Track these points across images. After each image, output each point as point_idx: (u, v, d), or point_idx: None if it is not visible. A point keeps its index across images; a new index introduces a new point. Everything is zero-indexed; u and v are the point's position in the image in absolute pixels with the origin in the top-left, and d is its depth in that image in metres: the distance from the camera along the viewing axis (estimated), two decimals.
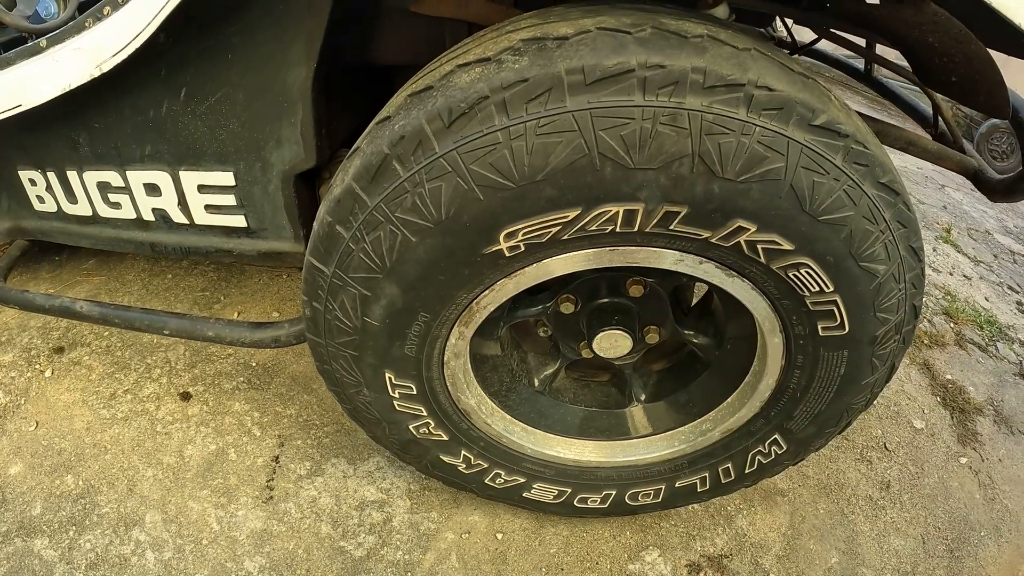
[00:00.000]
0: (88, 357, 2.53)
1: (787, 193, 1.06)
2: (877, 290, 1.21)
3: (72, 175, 2.12)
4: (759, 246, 1.13)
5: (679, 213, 1.07)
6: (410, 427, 1.53)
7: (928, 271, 3.42)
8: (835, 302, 1.22)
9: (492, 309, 1.29)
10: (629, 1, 1.25)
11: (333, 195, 1.20)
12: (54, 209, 2.28)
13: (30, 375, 2.49)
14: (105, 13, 1.66)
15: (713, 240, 1.12)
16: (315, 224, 1.27)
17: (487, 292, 1.24)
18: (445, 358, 1.38)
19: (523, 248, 1.13)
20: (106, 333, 2.62)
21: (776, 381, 1.43)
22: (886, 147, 1.81)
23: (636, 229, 1.10)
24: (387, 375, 1.39)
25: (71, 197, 2.19)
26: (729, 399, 1.55)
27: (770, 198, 1.06)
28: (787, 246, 1.13)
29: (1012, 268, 3.86)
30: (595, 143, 1.00)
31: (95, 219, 2.18)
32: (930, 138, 2.04)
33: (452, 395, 1.47)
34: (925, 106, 2.28)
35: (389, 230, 1.14)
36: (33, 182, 2.27)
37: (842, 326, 1.26)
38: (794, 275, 1.18)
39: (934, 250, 3.71)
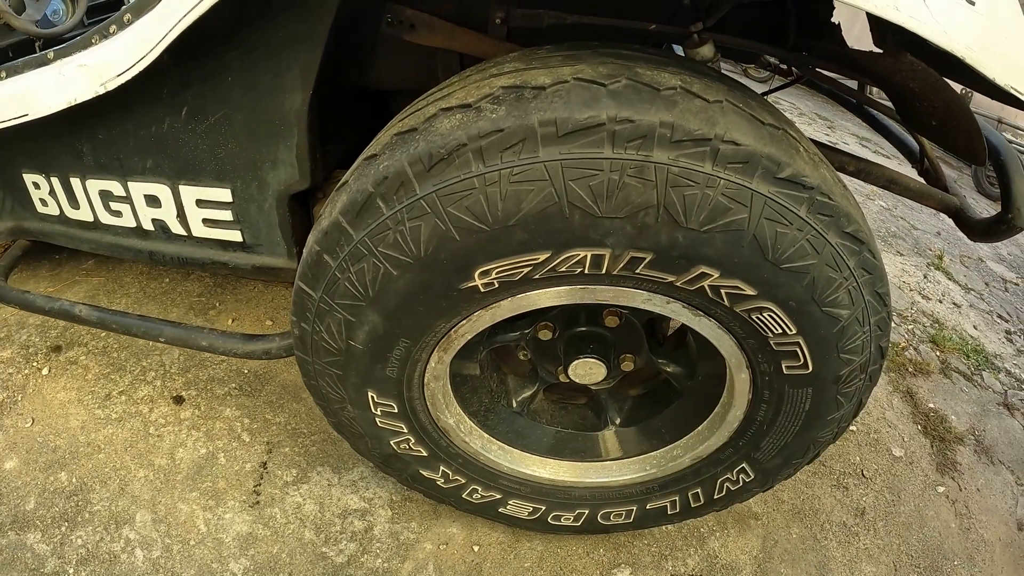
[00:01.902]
0: (85, 357, 2.60)
1: (750, 242, 1.13)
2: (840, 333, 1.28)
3: (75, 182, 2.19)
4: (722, 290, 1.20)
5: (644, 259, 1.15)
6: (391, 442, 1.61)
7: (917, 298, 3.49)
8: (798, 343, 1.29)
9: (470, 337, 1.37)
10: (617, 43, 1.34)
11: (322, 226, 1.28)
12: (56, 213, 2.35)
13: (27, 372, 2.56)
14: (111, 32, 1.73)
15: (678, 284, 1.20)
16: (304, 251, 1.35)
17: (464, 322, 1.32)
18: (425, 380, 1.46)
19: (497, 285, 1.21)
20: (103, 334, 2.70)
21: (743, 413, 1.50)
22: (872, 185, 1.89)
23: (604, 272, 1.18)
24: (370, 394, 1.47)
25: (73, 203, 2.26)
26: (699, 428, 1.62)
27: (733, 247, 1.13)
28: (750, 291, 1.20)
29: (1003, 296, 3.93)
30: (564, 192, 1.08)
31: (96, 225, 2.26)
32: (913, 176, 2.11)
33: (432, 414, 1.55)
34: (912, 140, 2.35)
35: (372, 263, 1.22)
36: (37, 186, 2.34)
37: (805, 365, 1.33)
38: (757, 318, 1.25)
39: (925, 277, 3.77)
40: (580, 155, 1.07)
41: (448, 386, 1.53)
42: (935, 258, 4.05)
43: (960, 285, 3.83)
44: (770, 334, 1.28)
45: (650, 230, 1.11)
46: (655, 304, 1.28)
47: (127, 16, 1.69)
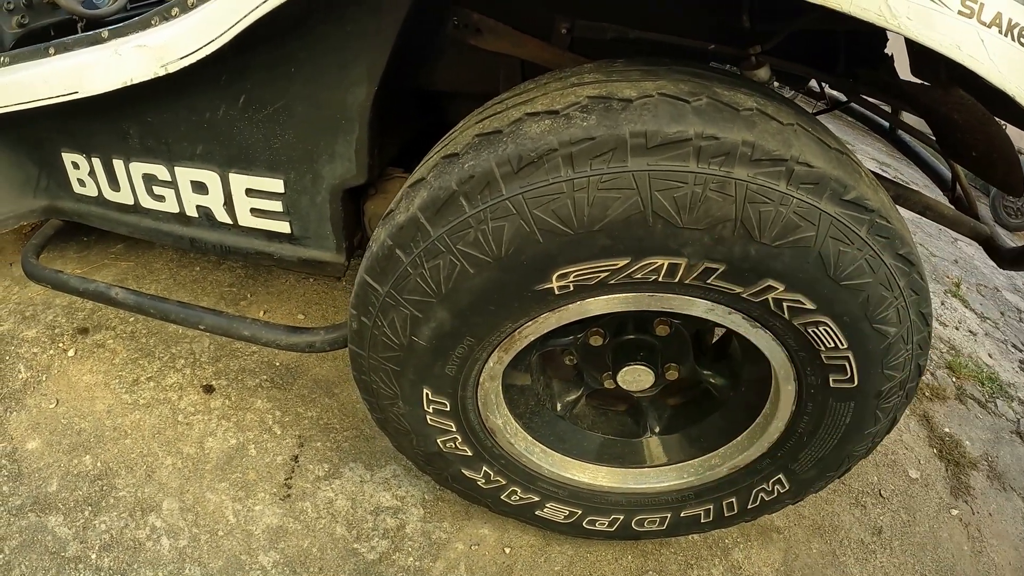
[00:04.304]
0: (112, 341, 2.65)
1: (815, 259, 1.21)
2: (886, 349, 1.36)
3: (118, 164, 2.24)
4: (784, 304, 1.28)
5: (717, 270, 1.23)
6: (438, 440, 1.67)
7: (935, 324, 3.58)
8: (847, 358, 1.37)
9: (532, 339, 1.44)
10: (683, 61, 1.41)
11: (396, 221, 1.34)
12: (94, 194, 2.40)
13: (52, 353, 2.60)
14: (173, 14, 1.78)
15: (744, 295, 1.27)
16: (373, 244, 1.41)
17: (530, 323, 1.39)
18: (481, 379, 1.52)
19: (571, 288, 1.28)
20: (131, 319, 2.74)
21: (785, 425, 1.58)
22: (904, 210, 1.97)
23: (676, 280, 1.25)
24: (425, 391, 1.53)
25: (114, 184, 2.31)
26: (739, 438, 1.69)
27: (799, 262, 1.21)
28: (810, 305, 1.28)
29: (1018, 326, 4.03)
30: (650, 202, 1.15)
31: (136, 209, 2.31)
32: (947, 203, 2.19)
33: (482, 414, 1.61)
34: (944, 168, 2.43)
35: (449, 260, 1.28)
36: (76, 165, 2.39)
37: (852, 380, 1.41)
38: (813, 331, 1.33)
39: (942, 303, 3.86)
40: (667, 167, 1.14)
41: (500, 387, 1.59)
42: (952, 285, 4.15)
43: (976, 313, 3.93)
44: (822, 348, 1.36)
45: (726, 242, 1.19)
46: (716, 314, 1.36)
47: (191, 0, 1.75)
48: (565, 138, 1.17)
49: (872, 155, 6.01)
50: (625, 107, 1.19)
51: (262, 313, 2.80)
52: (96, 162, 2.31)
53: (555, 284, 1.27)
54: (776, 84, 1.93)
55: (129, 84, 1.86)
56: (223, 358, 2.56)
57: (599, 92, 1.24)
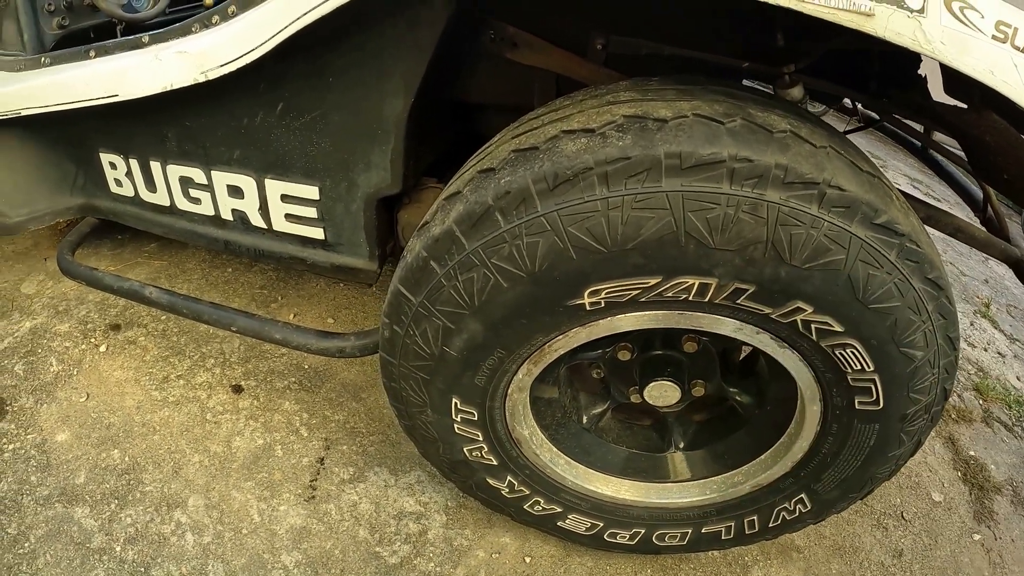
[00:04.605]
0: (144, 338, 2.71)
1: (844, 282, 1.23)
2: (913, 373, 1.37)
3: (155, 166, 2.29)
4: (813, 325, 1.30)
5: (747, 290, 1.25)
6: (464, 449, 1.70)
7: (964, 345, 3.57)
8: (874, 380, 1.39)
9: (561, 352, 1.47)
10: (718, 80, 1.44)
11: (432, 233, 1.37)
12: (131, 194, 2.45)
13: (84, 347, 2.66)
14: (214, 22, 1.83)
15: (773, 316, 1.30)
16: (408, 255, 1.45)
17: (561, 337, 1.42)
18: (510, 390, 1.56)
19: (603, 304, 1.31)
20: (163, 317, 2.80)
21: (809, 445, 1.60)
22: (934, 231, 1.98)
23: (706, 300, 1.28)
24: (454, 400, 1.57)
25: (150, 186, 2.36)
26: (762, 456, 1.71)
27: (829, 285, 1.23)
28: (838, 328, 1.30)
29: None
30: (683, 222, 1.18)
31: (172, 210, 2.36)
32: (978, 224, 2.20)
33: (509, 424, 1.64)
34: (975, 188, 2.44)
35: (483, 273, 1.31)
36: (113, 165, 2.44)
37: (877, 402, 1.43)
38: (840, 353, 1.35)
39: (971, 324, 3.85)
40: (700, 188, 1.17)
41: (528, 398, 1.62)
42: (982, 306, 4.13)
43: (1006, 335, 3.91)
44: (849, 370, 1.38)
45: (756, 264, 1.21)
46: (744, 333, 1.38)
47: (231, 8, 1.79)
48: (601, 157, 1.20)
49: (904, 171, 5.99)
50: (660, 127, 1.22)
51: (292, 316, 2.85)
52: (133, 163, 2.37)
53: (587, 300, 1.30)
54: (809, 102, 1.95)
55: (169, 89, 1.92)
56: (252, 359, 2.61)
57: (634, 111, 1.27)
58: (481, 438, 1.67)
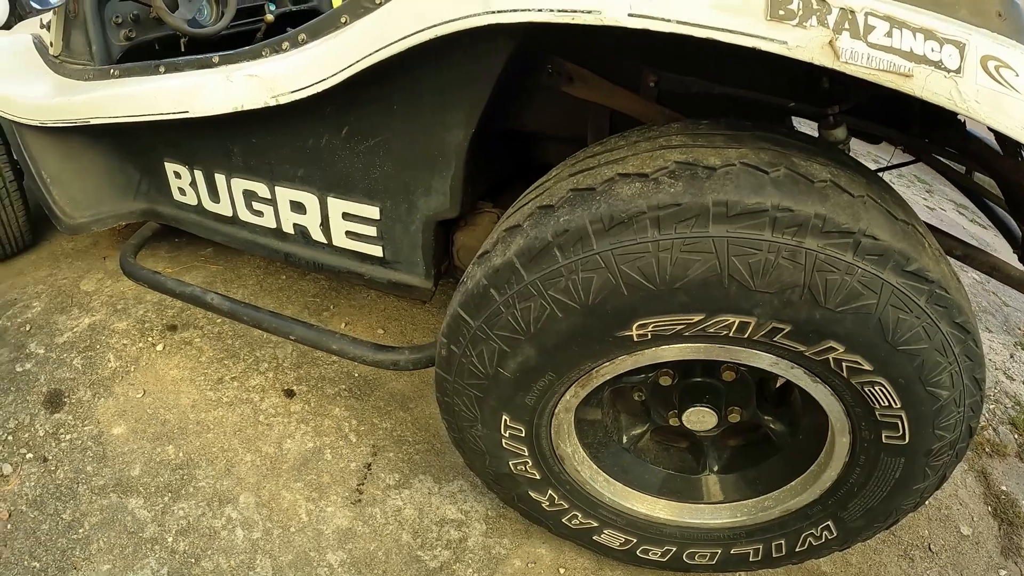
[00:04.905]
0: (199, 339, 2.89)
1: (875, 324, 1.36)
2: (938, 411, 1.50)
3: (220, 178, 2.46)
4: (844, 363, 1.43)
5: (783, 329, 1.39)
6: (510, 463, 1.85)
7: (1001, 377, 3.66)
8: (900, 417, 1.51)
9: (608, 377, 1.63)
10: (764, 125, 1.58)
11: (493, 264, 1.53)
12: (194, 203, 2.63)
13: (141, 346, 2.85)
14: (283, 48, 2.01)
15: (807, 353, 1.43)
16: (469, 282, 1.60)
17: (608, 364, 1.57)
18: (557, 410, 1.71)
19: (649, 337, 1.46)
20: (218, 320, 2.98)
21: (838, 474, 1.73)
22: (976, 269, 2.10)
23: (746, 336, 1.42)
24: (504, 417, 1.72)
25: (214, 197, 2.53)
26: (793, 483, 1.84)
27: (860, 327, 1.37)
28: (867, 367, 1.43)
29: None
30: (727, 265, 1.32)
31: (234, 221, 2.53)
32: (1015, 263, 2.31)
33: (553, 441, 1.79)
34: (1015, 225, 2.54)
35: (540, 303, 1.47)
36: (178, 175, 2.62)
37: (903, 437, 1.55)
38: (869, 390, 1.48)
39: (1011, 356, 3.92)
40: (744, 235, 1.31)
41: (573, 418, 1.77)
42: (1023, 337, 4.21)
43: None
44: (877, 406, 1.51)
45: (793, 306, 1.35)
46: (780, 368, 1.52)
47: (302, 36, 1.96)
48: (654, 203, 1.35)
49: (951, 196, 6.03)
50: (709, 175, 1.37)
51: (343, 325, 3.01)
52: (198, 174, 2.54)
53: (635, 332, 1.45)
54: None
55: (239, 110, 2.09)
56: (304, 365, 2.78)
57: (685, 157, 1.42)
58: (527, 453, 1.82)
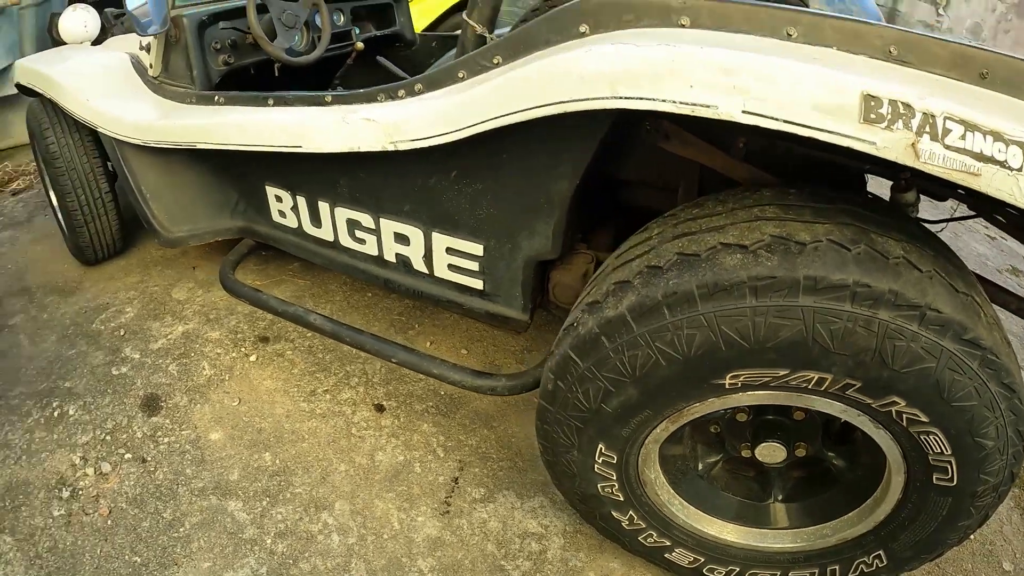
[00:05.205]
0: (291, 352, 3.25)
1: (933, 383, 1.69)
2: (984, 458, 1.81)
3: (323, 206, 2.81)
4: (904, 415, 1.77)
5: (855, 385, 1.73)
6: (598, 485, 2.20)
7: None
8: (950, 462, 1.84)
9: (697, 416, 1.98)
10: (845, 196, 1.91)
11: (606, 315, 1.87)
12: (294, 226, 3.00)
13: (235, 355, 3.22)
14: (399, 95, 2.32)
15: (873, 406, 1.77)
16: (580, 328, 1.94)
17: (699, 404, 1.91)
18: (647, 441, 2.06)
19: (739, 385, 1.81)
20: (307, 334, 3.34)
21: (891, 509, 2.06)
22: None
23: (822, 389, 1.76)
24: (600, 445, 2.07)
25: (316, 222, 2.89)
26: (850, 514, 2.18)
27: (920, 385, 1.70)
28: (924, 419, 1.76)
29: None
30: (812, 331, 1.66)
31: (335, 245, 2.89)
32: None
33: (640, 468, 2.14)
34: None
35: (646, 352, 1.81)
36: (279, 199, 2.98)
37: (952, 480, 1.88)
38: (924, 438, 1.81)
39: None
40: (828, 306, 1.64)
41: (658, 448, 2.13)
42: None
43: None
44: (930, 452, 1.84)
45: (865, 366, 1.69)
46: (847, 414, 1.86)
47: (418, 86, 2.29)
48: (753, 274, 1.68)
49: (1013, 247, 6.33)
50: (800, 251, 1.69)
51: (428, 344, 3.37)
52: (301, 200, 2.90)
53: (727, 381, 1.80)
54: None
55: (355, 151, 2.42)
56: (393, 381, 3.14)
57: (780, 231, 1.74)
58: (615, 478, 2.16)
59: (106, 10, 4.56)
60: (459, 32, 4.67)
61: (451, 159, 2.41)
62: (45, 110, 3.84)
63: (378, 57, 4.27)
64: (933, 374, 1.68)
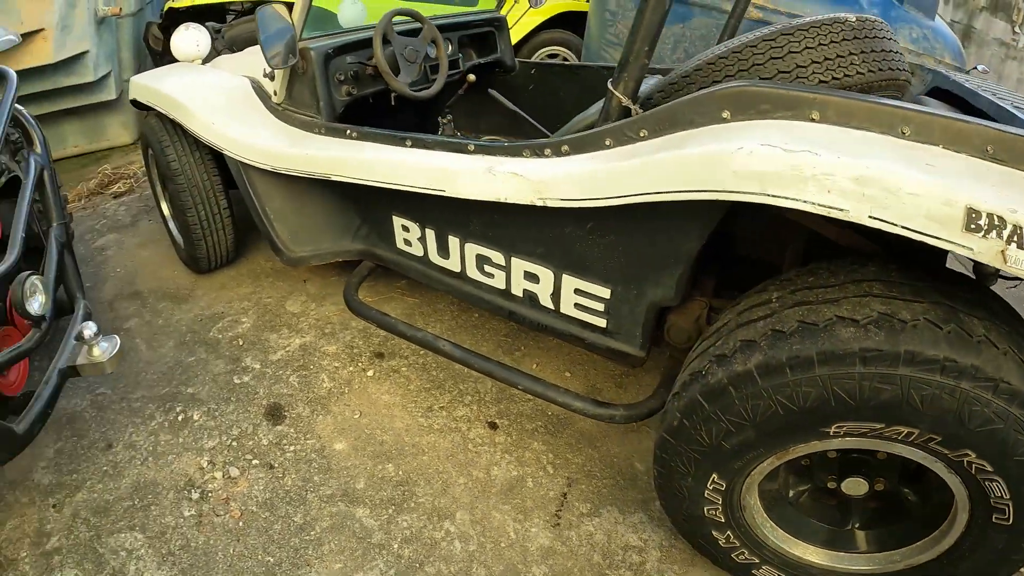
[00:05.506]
0: (406, 368, 3.67)
1: (1000, 441, 2.14)
2: None
3: (453, 240, 3.21)
4: (973, 465, 2.23)
5: (936, 439, 2.20)
6: (704, 508, 2.68)
7: None
8: (1008, 504, 2.28)
9: (800, 454, 2.46)
10: (943, 276, 2.36)
11: (735, 369, 2.34)
12: (419, 254, 3.39)
13: (352, 369, 3.62)
14: (544, 153, 2.74)
15: (949, 455, 2.24)
16: (710, 378, 2.40)
17: (804, 445, 2.41)
18: (753, 472, 2.54)
19: (841, 433, 2.29)
20: (420, 351, 3.76)
21: (955, 541, 2.52)
22: None
23: (909, 440, 2.24)
24: (713, 475, 2.55)
25: (443, 253, 3.28)
26: (918, 543, 2.65)
27: (990, 442, 2.16)
28: (990, 468, 2.22)
29: None
30: (906, 395, 2.12)
31: (461, 276, 3.29)
32: None
33: (742, 494, 2.62)
34: None
35: (767, 403, 2.29)
36: (406, 228, 3.36)
37: (1008, 519, 2.33)
38: (988, 483, 2.27)
39: None
40: (922, 376, 2.12)
41: (760, 479, 2.63)
42: None
43: None
44: (992, 495, 2.29)
45: (946, 425, 2.16)
46: (928, 461, 2.33)
47: (564, 147, 2.70)
48: (864, 346, 2.14)
49: None
50: (902, 328, 2.15)
51: (534, 365, 3.80)
52: (429, 233, 3.30)
53: (832, 429, 2.28)
54: None
55: (501, 201, 2.84)
56: (504, 400, 3.57)
57: (885, 309, 2.19)
58: (720, 502, 2.64)
59: (207, 24, 5.06)
60: (554, 61, 5.17)
61: (587, 216, 2.84)
62: (165, 128, 4.31)
63: (490, 90, 4.59)
64: (1001, 434, 2.14)
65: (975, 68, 6.38)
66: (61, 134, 6.39)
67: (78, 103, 6.69)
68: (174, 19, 7.13)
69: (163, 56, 7.13)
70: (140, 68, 7.37)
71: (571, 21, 8.67)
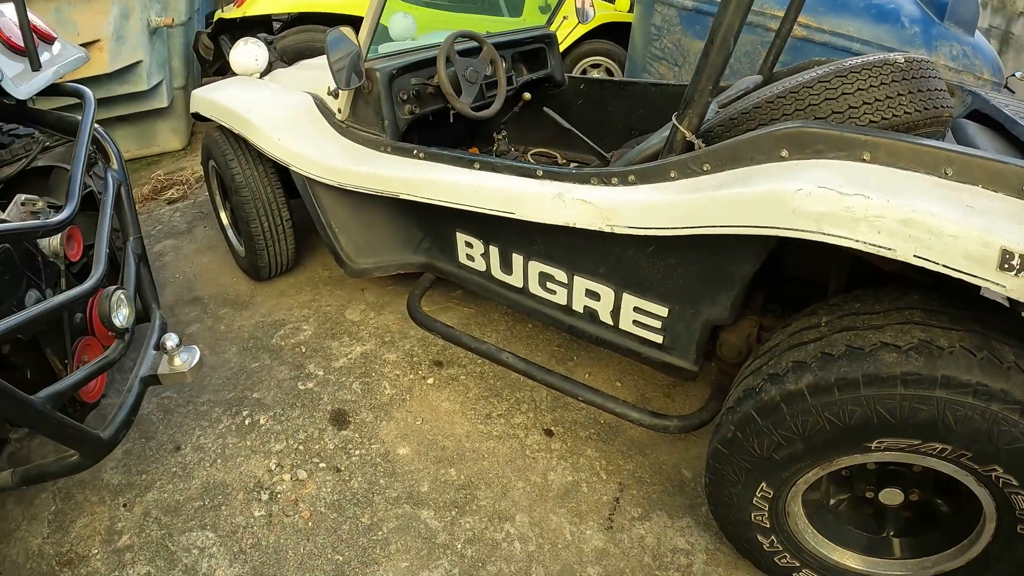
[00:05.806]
0: (464, 376, 3.99)
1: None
2: None
3: (516, 257, 3.53)
4: (1001, 479, 2.55)
5: (967, 455, 2.53)
6: (751, 514, 3.03)
7: None
8: None
9: (842, 466, 2.81)
10: (977, 304, 2.68)
11: (787, 388, 2.68)
12: (481, 269, 3.70)
13: (412, 377, 3.93)
14: (613, 182, 3.05)
15: (978, 470, 2.57)
16: (764, 395, 2.74)
17: (847, 458, 2.74)
18: (799, 481, 2.89)
19: (883, 447, 2.63)
20: (478, 360, 4.08)
21: (982, 549, 2.85)
22: None
23: (943, 455, 2.57)
24: (762, 483, 2.90)
25: (506, 269, 3.57)
26: (948, 551, 2.99)
27: (1016, 459, 2.49)
28: (1015, 483, 2.53)
29: None
30: (942, 415, 2.46)
31: (522, 291, 3.60)
32: None
33: (787, 502, 2.96)
34: None
35: (815, 419, 2.64)
36: (469, 244, 3.66)
37: None
38: (1014, 497, 2.59)
39: None
40: (956, 398, 2.45)
41: (804, 488, 2.98)
42: None
43: None
44: (1018, 508, 2.61)
45: (977, 442, 2.49)
46: (959, 475, 2.66)
47: (631, 177, 3.01)
48: (905, 370, 2.47)
49: None
50: (940, 354, 2.47)
51: (586, 375, 4.12)
52: (493, 250, 3.60)
53: (873, 444, 2.62)
54: None
55: (569, 226, 3.17)
56: (559, 409, 3.88)
57: (925, 336, 2.52)
58: (766, 509, 2.98)
59: (259, 35, 5.46)
60: (603, 77, 5.52)
61: (650, 241, 3.17)
62: (228, 141, 4.67)
63: (545, 108, 4.85)
64: None
65: (1013, 75, 6.77)
66: (112, 139, 6.85)
67: (131, 110, 7.24)
68: (222, 29, 7.66)
69: (212, 64, 7.61)
70: (189, 76, 7.85)
71: (613, 31, 9.10)
